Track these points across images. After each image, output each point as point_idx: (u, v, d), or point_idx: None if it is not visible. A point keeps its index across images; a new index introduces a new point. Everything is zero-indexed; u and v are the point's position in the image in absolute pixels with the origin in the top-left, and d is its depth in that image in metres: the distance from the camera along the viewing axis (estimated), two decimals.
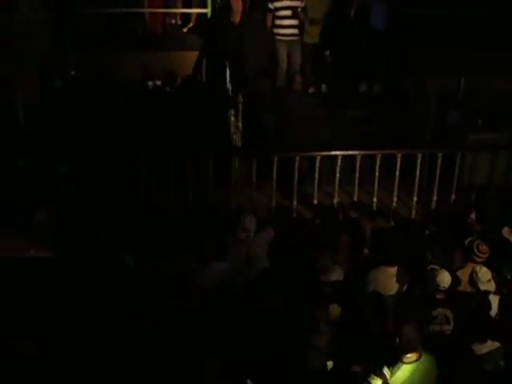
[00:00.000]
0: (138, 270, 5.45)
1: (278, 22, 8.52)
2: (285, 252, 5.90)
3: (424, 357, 4.47)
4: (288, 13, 8.43)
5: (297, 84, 7.78)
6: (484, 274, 5.33)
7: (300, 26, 8.55)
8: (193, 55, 8.77)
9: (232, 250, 5.82)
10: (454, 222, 6.62)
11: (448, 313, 4.96)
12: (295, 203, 7.11)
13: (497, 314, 5.15)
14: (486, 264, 5.56)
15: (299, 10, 8.38)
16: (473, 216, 6.52)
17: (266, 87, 8.43)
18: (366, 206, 7.11)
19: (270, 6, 8.49)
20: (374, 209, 7.16)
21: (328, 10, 8.65)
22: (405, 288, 5.48)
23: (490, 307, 5.08)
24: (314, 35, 8.68)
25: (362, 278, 5.45)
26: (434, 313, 4.96)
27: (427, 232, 6.46)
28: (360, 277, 5.48)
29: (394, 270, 5.46)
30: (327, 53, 8.86)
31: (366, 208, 7.03)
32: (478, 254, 5.56)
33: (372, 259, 5.91)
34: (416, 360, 4.42)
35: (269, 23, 8.56)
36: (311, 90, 8.61)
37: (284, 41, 8.57)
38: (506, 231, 6.16)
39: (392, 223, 7.16)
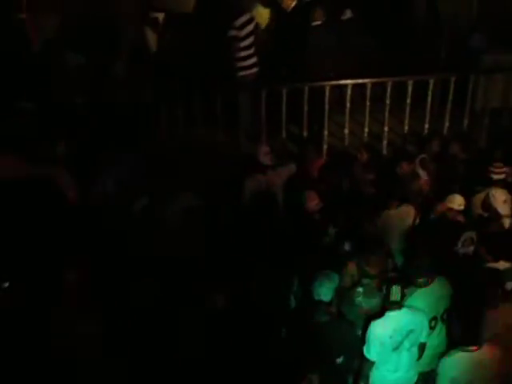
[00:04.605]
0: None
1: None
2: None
3: (438, 281, 4.53)
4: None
5: (318, 15, 7.21)
6: (499, 195, 5.34)
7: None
8: None
9: (247, 185, 5.85)
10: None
11: (473, 235, 4.98)
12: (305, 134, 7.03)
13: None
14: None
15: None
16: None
17: None
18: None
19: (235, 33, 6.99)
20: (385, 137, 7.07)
21: None
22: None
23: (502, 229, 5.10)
24: None
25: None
26: (462, 237, 4.94)
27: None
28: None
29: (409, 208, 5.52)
30: None
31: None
32: (494, 170, 5.59)
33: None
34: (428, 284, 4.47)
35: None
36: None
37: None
38: None
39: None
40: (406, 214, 5.53)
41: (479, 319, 4.07)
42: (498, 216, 5.33)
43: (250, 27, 7.07)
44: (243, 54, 7.04)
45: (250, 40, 7.05)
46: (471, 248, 4.81)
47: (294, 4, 7.39)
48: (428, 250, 4.71)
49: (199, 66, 7.05)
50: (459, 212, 5.29)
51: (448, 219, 5.23)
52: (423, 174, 6.16)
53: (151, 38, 7.42)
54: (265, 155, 5.98)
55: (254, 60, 7.12)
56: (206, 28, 7.28)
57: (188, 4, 7.57)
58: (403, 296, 4.28)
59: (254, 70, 7.15)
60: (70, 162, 5.67)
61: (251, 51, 7.09)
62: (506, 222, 5.28)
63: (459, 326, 4.14)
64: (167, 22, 7.49)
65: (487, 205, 5.39)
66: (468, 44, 7.50)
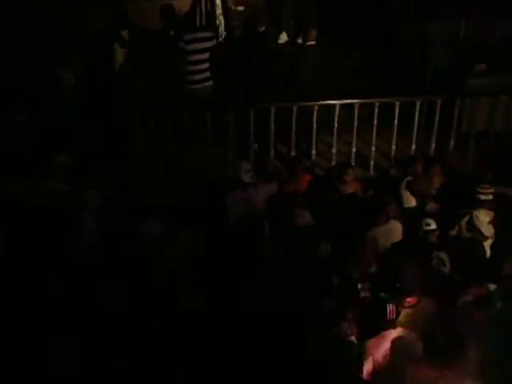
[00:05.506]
0: None
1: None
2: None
3: (424, 300, 4.56)
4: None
5: (312, 35, 7.31)
6: (484, 216, 5.38)
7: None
8: None
9: (228, 202, 5.89)
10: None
11: (443, 255, 5.01)
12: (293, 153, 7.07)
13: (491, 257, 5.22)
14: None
15: None
16: None
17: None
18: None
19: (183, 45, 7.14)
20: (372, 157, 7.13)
21: None
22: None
23: (484, 251, 5.14)
24: None
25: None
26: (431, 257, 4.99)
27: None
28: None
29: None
30: None
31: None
32: (481, 191, 5.63)
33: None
34: (415, 304, 4.51)
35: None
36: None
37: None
38: None
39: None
40: (393, 230, 5.60)
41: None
42: (481, 237, 5.36)
43: (205, 44, 7.22)
44: (190, 68, 7.16)
45: (201, 56, 7.19)
46: (445, 269, 4.80)
47: (262, 29, 7.47)
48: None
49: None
50: (431, 231, 5.32)
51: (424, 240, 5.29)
52: (406, 196, 6.23)
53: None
54: (246, 173, 5.98)
55: (205, 75, 7.25)
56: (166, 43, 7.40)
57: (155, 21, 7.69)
58: None
59: (206, 84, 7.27)
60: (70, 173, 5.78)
61: (201, 66, 7.20)
62: (489, 244, 5.31)
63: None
64: (131, 37, 7.54)
65: (471, 226, 5.43)
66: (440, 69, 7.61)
